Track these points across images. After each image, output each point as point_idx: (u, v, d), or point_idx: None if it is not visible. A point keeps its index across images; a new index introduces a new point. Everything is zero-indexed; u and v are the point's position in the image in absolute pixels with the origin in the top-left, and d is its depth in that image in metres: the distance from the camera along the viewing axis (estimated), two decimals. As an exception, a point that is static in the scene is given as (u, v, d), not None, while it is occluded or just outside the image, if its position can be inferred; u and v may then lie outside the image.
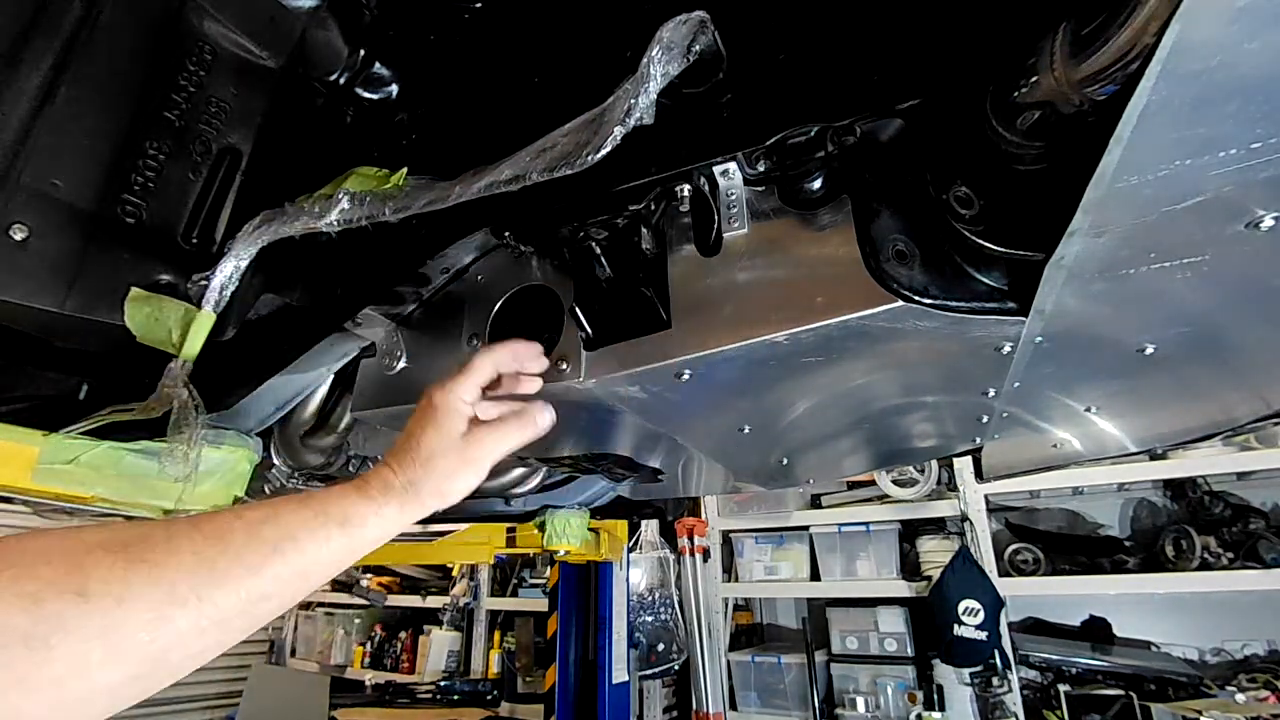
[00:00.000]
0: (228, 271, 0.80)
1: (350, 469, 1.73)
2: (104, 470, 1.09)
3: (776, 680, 3.46)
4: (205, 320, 0.81)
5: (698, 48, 0.67)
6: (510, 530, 2.72)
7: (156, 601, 0.45)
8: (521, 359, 0.77)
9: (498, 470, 1.69)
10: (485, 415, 0.72)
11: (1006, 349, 0.78)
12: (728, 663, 3.63)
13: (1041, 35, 0.54)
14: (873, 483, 3.43)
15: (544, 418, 0.73)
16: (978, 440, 1.31)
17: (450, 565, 4.70)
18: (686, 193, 0.81)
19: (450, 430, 0.68)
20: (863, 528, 3.43)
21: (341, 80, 0.95)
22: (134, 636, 0.44)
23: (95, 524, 0.48)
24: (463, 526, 2.89)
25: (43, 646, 0.40)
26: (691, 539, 3.76)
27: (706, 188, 0.79)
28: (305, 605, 5.62)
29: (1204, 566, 2.76)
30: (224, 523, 0.52)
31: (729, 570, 3.83)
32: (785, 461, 1.34)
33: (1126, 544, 3.16)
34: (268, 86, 0.92)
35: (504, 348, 0.75)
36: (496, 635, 4.37)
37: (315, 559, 0.56)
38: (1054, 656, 2.98)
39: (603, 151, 0.64)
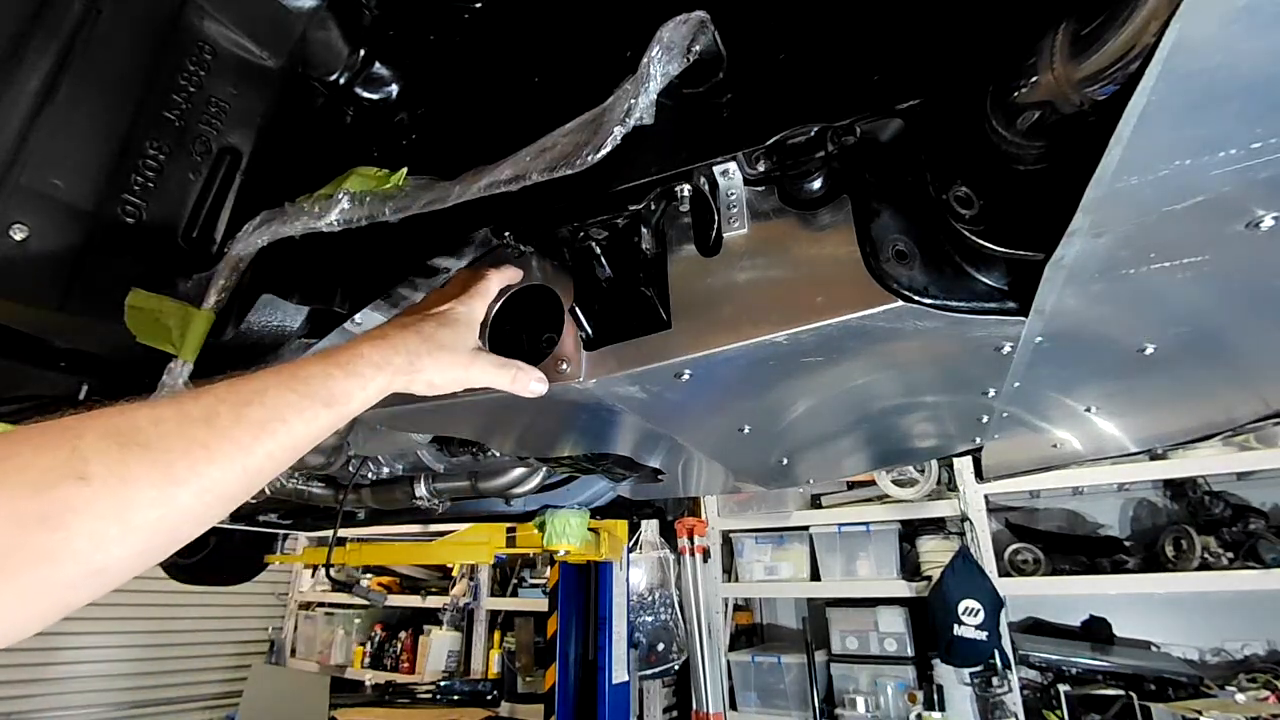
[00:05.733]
0: (228, 271, 0.80)
1: (350, 469, 1.73)
2: (104, 470, 1.09)
3: (776, 680, 3.46)
4: (205, 320, 0.81)
5: (698, 48, 0.67)
6: (510, 530, 2.72)
7: (158, 481, 0.47)
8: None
9: (498, 470, 1.69)
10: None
11: (1006, 349, 0.78)
12: (727, 663, 3.64)
13: (1041, 35, 0.54)
14: (873, 483, 3.43)
15: (538, 387, 0.80)
16: (978, 440, 1.31)
17: (450, 565, 4.70)
18: (686, 193, 0.81)
19: (467, 338, 0.75)
20: (863, 528, 3.43)
21: (341, 80, 0.95)
22: (144, 514, 0.46)
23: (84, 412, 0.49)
24: (463, 526, 2.89)
25: (60, 526, 0.42)
26: (691, 539, 3.76)
27: (706, 188, 0.78)
28: (305, 605, 5.62)
29: (1204, 566, 2.76)
30: (209, 405, 0.52)
31: (729, 570, 3.83)
32: (785, 461, 1.34)
33: (1126, 544, 3.16)
34: (268, 86, 0.92)
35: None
36: (496, 635, 4.38)
37: (304, 434, 0.58)
38: (1054, 656, 2.98)
39: (603, 151, 0.64)
